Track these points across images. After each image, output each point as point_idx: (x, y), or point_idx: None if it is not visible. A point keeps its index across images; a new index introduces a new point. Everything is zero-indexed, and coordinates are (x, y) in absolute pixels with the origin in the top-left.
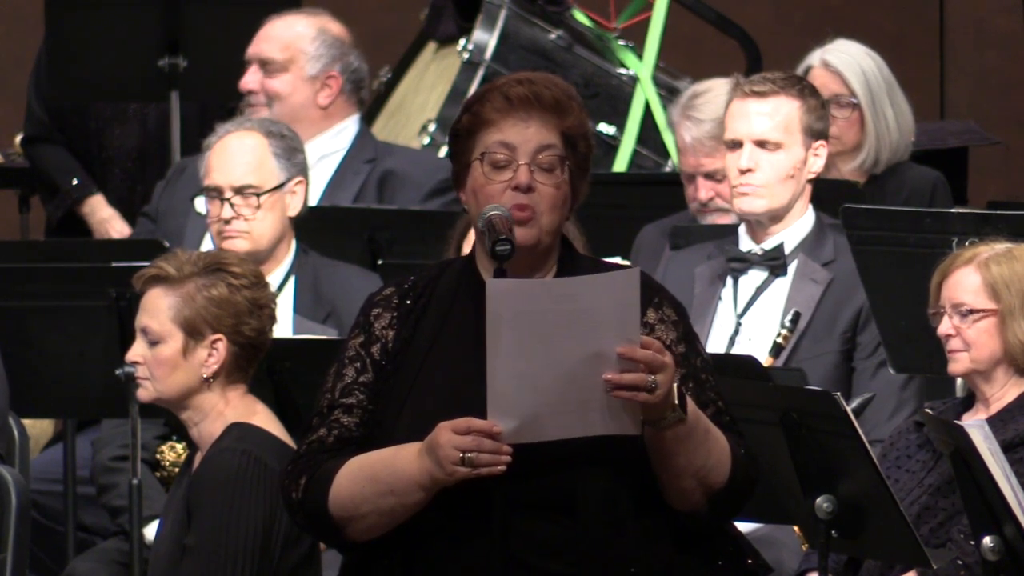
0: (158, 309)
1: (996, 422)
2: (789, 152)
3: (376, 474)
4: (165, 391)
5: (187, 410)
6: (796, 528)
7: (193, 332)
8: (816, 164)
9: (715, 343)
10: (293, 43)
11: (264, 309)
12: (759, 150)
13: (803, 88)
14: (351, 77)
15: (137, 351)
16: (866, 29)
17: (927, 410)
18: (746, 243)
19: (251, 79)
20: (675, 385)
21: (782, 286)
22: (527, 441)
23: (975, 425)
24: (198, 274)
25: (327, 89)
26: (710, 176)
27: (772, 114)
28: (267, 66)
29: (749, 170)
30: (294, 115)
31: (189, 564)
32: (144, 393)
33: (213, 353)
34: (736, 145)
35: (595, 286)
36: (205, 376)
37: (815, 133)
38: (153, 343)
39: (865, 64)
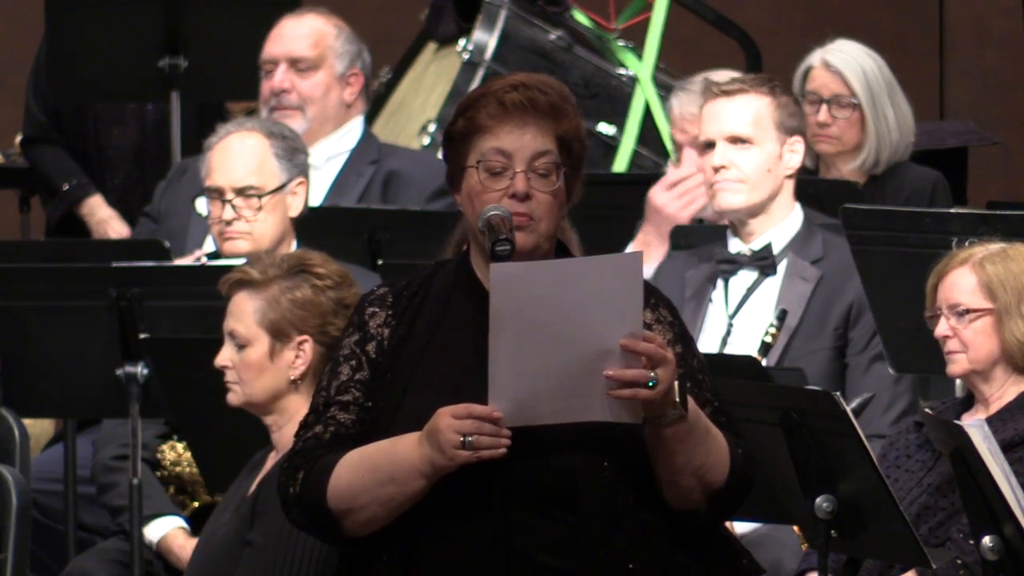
0: (244, 313)
1: (996, 422)
2: (762, 148)
3: (376, 463)
4: (254, 394)
5: (273, 414)
6: (796, 528)
7: (279, 335)
8: (793, 160)
9: (707, 345)
10: (322, 40)
11: (350, 309)
12: (732, 147)
13: (773, 86)
14: (366, 73)
15: (225, 355)
16: (866, 29)
17: (927, 410)
18: (735, 245)
19: (284, 78)
20: (676, 383)
21: (772, 286)
22: (527, 424)
23: (975, 425)
24: (282, 276)
25: (350, 87)
26: (696, 147)
27: (741, 110)
28: (298, 64)
29: (723, 167)
30: (326, 116)
31: (252, 560)
32: (233, 397)
33: (300, 355)
34: (710, 146)
35: (598, 267)
36: (292, 378)
37: (789, 129)
38: (240, 347)
39: (866, 64)
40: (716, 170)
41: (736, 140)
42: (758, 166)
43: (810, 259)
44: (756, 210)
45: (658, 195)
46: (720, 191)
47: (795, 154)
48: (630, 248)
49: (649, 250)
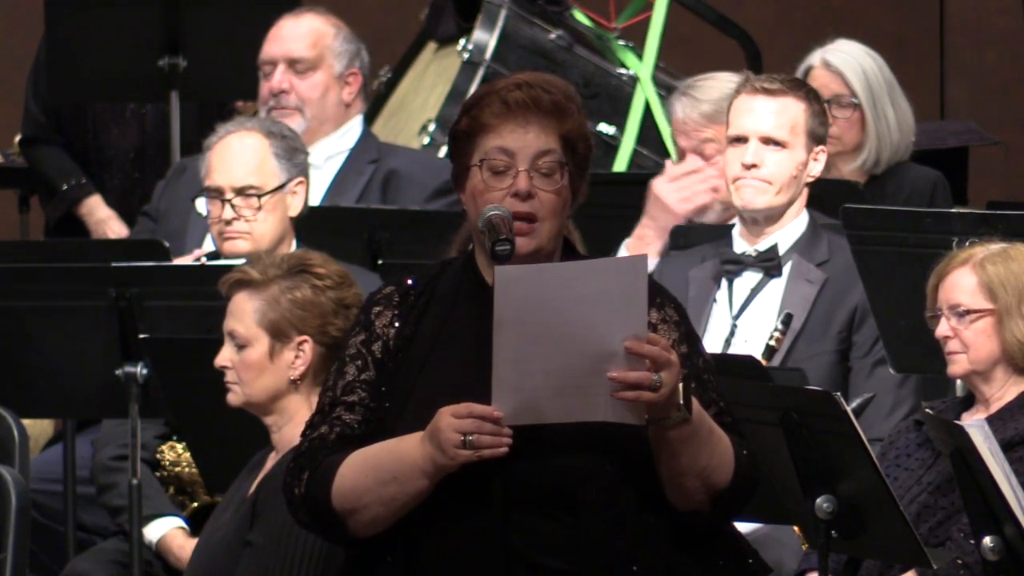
0: (243, 313)
1: (996, 421)
2: (793, 153)
3: (380, 462)
4: (253, 395)
5: (273, 414)
6: (796, 528)
7: (279, 335)
8: (815, 168)
9: (711, 345)
10: (320, 40)
11: (351, 309)
12: (764, 147)
13: (808, 92)
14: (365, 72)
15: (225, 355)
16: (866, 29)
17: (927, 410)
18: (740, 245)
19: (283, 79)
20: (680, 385)
21: (777, 287)
22: (530, 422)
23: (975, 425)
24: (282, 276)
25: (348, 86)
26: (699, 153)
27: (780, 113)
28: (296, 65)
29: (753, 165)
30: (325, 116)
31: (252, 561)
32: (233, 397)
33: (300, 355)
34: (740, 140)
35: (602, 270)
36: (292, 378)
37: (817, 138)
38: (240, 347)
39: (866, 64)
40: (747, 167)
41: (769, 141)
42: (787, 170)
43: (815, 261)
44: (774, 214)
45: (660, 185)
46: (745, 187)
47: (818, 163)
48: (626, 241)
49: (643, 243)
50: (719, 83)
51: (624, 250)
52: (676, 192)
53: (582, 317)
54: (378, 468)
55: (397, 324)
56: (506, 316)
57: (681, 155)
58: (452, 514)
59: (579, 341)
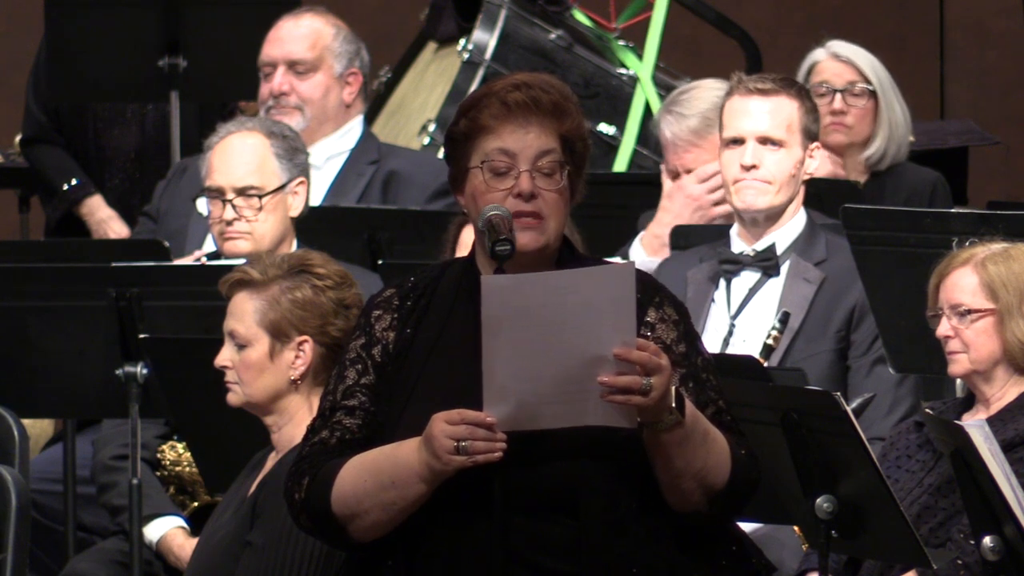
0: (244, 313)
1: (996, 422)
2: (790, 151)
3: (379, 467)
4: (254, 395)
5: (273, 414)
6: (796, 528)
7: (279, 335)
8: (811, 166)
9: (709, 345)
10: (319, 41)
11: (351, 309)
12: (761, 147)
13: (800, 90)
14: (365, 72)
15: (225, 355)
16: (866, 29)
17: (927, 410)
18: (738, 245)
19: (283, 81)
20: (673, 387)
21: (775, 287)
22: (524, 428)
23: (975, 425)
24: (282, 276)
25: (349, 87)
26: (691, 172)
27: (775, 112)
28: (296, 67)
29: (753, 166)
30: (325, 116)
31: (252, 561)
32: (233, 398)
33: (300, 355)
34: (737, 142)
35: (590, 278)
36: (292, 378)
37: (811, 135)
38: (240, 347)
39: (870, 55)
40: (745, 168)
41: (767, 141)
42: (785, 169)
43: (813, 261)
44: (774, 213)
45: (691, 186)
46: (745, 189)
47: (814, 160)
48: (641, 236)
49: (659, 242)
50: (702, 92)
51: (638, 245)
52: (708, 194)
53: (571, 324)
54: (377, 473)
55: (397, 327)
56: (494, 324)
57: (674, 175)
58: (452, 519)
59: (569, 348)
